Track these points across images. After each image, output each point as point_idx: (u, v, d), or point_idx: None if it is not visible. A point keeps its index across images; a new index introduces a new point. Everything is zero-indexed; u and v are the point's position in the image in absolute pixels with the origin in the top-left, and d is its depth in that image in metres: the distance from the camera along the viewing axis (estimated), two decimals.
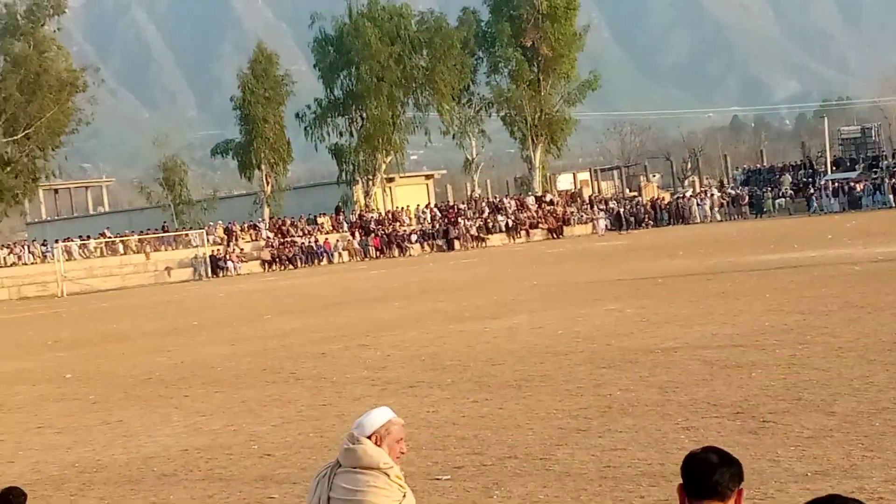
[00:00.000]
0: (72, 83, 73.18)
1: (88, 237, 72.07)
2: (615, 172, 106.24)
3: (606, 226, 76.84)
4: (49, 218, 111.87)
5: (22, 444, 16.32)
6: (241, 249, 70.75)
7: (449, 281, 43.55)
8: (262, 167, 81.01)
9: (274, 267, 69.32)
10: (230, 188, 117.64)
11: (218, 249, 69.90)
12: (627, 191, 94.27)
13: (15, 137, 70.61)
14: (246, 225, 74.96)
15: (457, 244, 74.45)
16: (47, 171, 75.42)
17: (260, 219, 77.97)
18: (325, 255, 71.62)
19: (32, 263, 67.08)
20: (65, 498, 12.59)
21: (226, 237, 72.04)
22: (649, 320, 23.42)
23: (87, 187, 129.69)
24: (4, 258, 66.32)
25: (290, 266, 69.25)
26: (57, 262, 64.10)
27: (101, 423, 17.54)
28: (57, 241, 68.65)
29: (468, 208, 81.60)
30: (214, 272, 67.24)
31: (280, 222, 75.67)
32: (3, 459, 15.25)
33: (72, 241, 69.92)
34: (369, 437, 6.03)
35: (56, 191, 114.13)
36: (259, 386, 19.98)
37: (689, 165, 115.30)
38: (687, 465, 4.20)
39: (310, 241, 72.44)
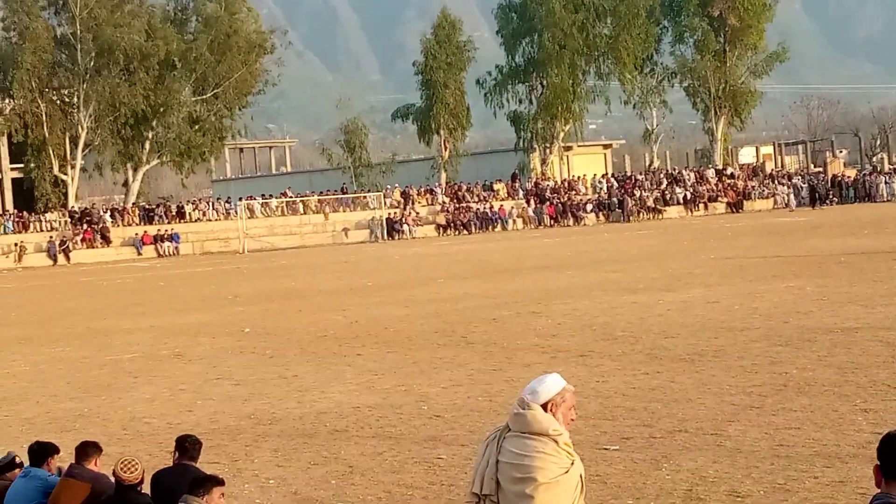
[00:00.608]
0: (260, 45, 74.90)
1: (270, 196, 73.85)
2: (800, 147, 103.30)
3: (796, 201, 74.90)
4: (233, 176, 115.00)
5: (201, 394, 16.85)
6: (417, 213, 71.44)
7: (623, 251, 43.10)
8: (441, 132, 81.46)
9: (448, 231, 69.82)
10: (409, 152, 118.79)
11: (394, 212, 70.73)
12: (812, 166, 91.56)
13: (204, 96, 72.74)
14: (423, 189, 75.60)
15: (632, 215, 73.63)
16: (233, 131, 77.46)
17: (437, 183, 78.52)
18: (499, 221, 71.75)
19: (216, 220, 69.08)
20: (240, 448, 12.95)
21: (402, 201, 72.82)
22: (830, 299, 22.71)
23: (270, 147, 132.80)
24: (190, 213, 68.50)
25: (465, 231, 69.62)
26: (239, 219, 65.86)
27: (277, 378, 17.97)
28: (240, 199, 70.52)
29: (646, 179, 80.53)
30: (390, 234, 68.13)
31: (456, 187, 76.08)
32: (182, 408, 15.77)
33: (254, 199, 71.72)
34: (544, 406, 5.98)
35: (241, 150, 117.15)
36: (431, 348, 20.16)
37: (879, 142, 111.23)
38: (886, 446, 4.11)
39: (485, 208, 72.65)
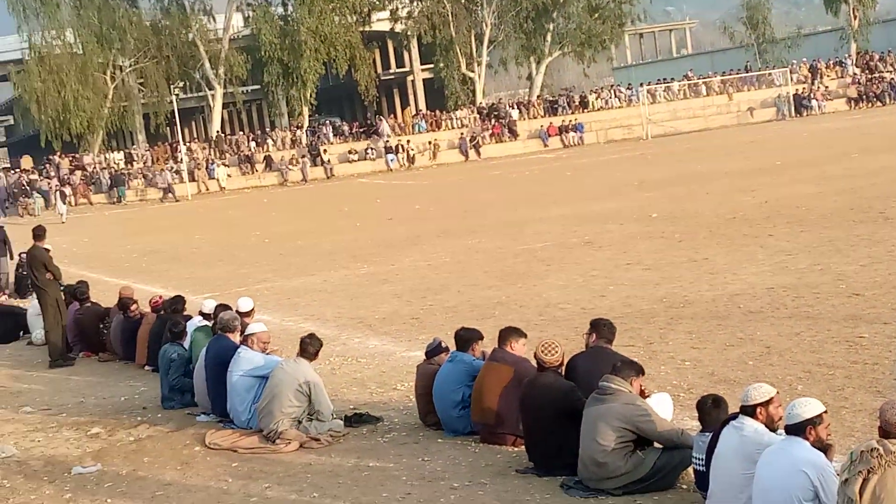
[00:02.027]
0: None
1: (672, 80, 72.86)
2: None
3: None
4: (634, 62, 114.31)
5: (613, 280, 17.09)
6: (826, 87, 68.18)
7: None
8: (849, 1, 76.97)
9: (860, 105, 66.18)
10: (815, 24, 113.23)
11: (802, 88, 67.87)
12: None
13: None
14: (831, 62, 71.95)
15: None
16: (633, 16, 76.73)
17: (846, 55, 74.45)
18: None
19: (618, 107, 69.08)
20: (654, 331, 13.06)
21: (810, 75, 69.67)
22: None
23: (670, 30, 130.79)
24: (593, 103, 68.87)
25: (878, 103, 65.70)
26: (641, 105, 65.50)
27: (688, 261, 17.92)
28: (641, 85, 70.05)
29: None
30: (798, 111, 65.48)
31: (868, 58, 71.80)
32: (595, 294, 16.07)
33: (655, 84, 71.05)
34: None
35: (641, 35, 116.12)
36: (846, 226, 19.40)
37: None
38: None
39: None
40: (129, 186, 57.17)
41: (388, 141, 61.66)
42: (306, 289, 20.00)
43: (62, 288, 16.22)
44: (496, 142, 63.72)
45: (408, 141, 61.72)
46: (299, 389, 9.98)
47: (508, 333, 9.53)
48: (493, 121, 65.38)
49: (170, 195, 55.16)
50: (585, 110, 67.80)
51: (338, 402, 11.18)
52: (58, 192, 50.84)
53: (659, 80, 73.67)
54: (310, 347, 10.27)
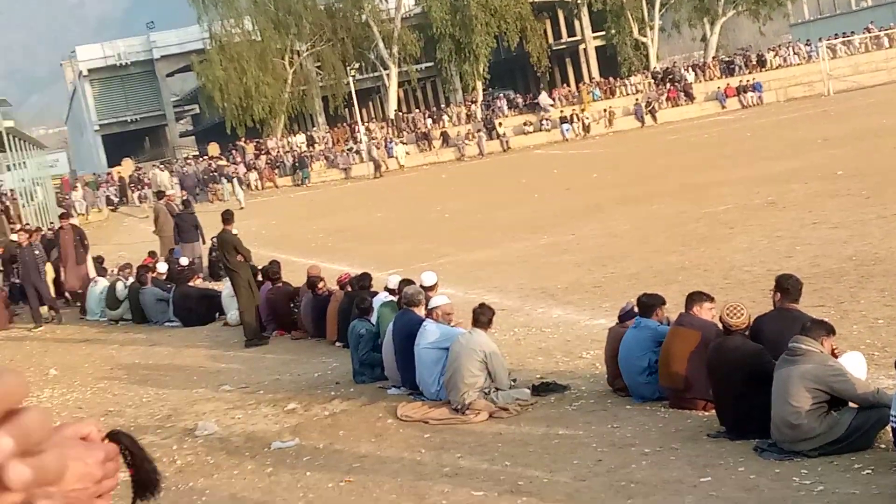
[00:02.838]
0: None
1: (852, 33, 70.37)
2: None
3: None
4: (811, 17, 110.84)
5: (799, 240, 16.71)
6: None
7: None
8: None
9: None
10: None
11: None
12: None
13: None
14: None
15: None
16: None
17: None
18: None
19: (797, 65, 67.15)
20: (844, 290, 12.75)
21: None
22: None
23: None
24: (770, 61, 67.11)
25: None
26: (821, 60, 63.47)
27: (876, 217, 17.38)
28: (820, 40, 67.89)
29: None
30: None
31: None
32: (781, 255, 15.75)
33: (835, 38, 68.73)
34: None
35: None
36: None
37: None
38: None
39: None
40: (311, 168, 58.48)
41: (547, 113, 61.32)
42: (488, 261, 20.17)
43: (253, 269, 16.78)
44: (672, 106, 62.77)
45: (582, 110, 61.34)
46: (478, 359, 10.12)
47: (695, 298, 9.47)
48: (668, 85, 64.43)
49: (377, 172, 56.04)
50: (763, 69, 66.12)
51: (524, 371, 11.29)
52: (235, 180, 52.41)
53: (838, 34, 71.22)
54: (482, 317, 10.41)
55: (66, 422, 2.05)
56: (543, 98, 63.43)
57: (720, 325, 8.75)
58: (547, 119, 61.10)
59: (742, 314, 8.52)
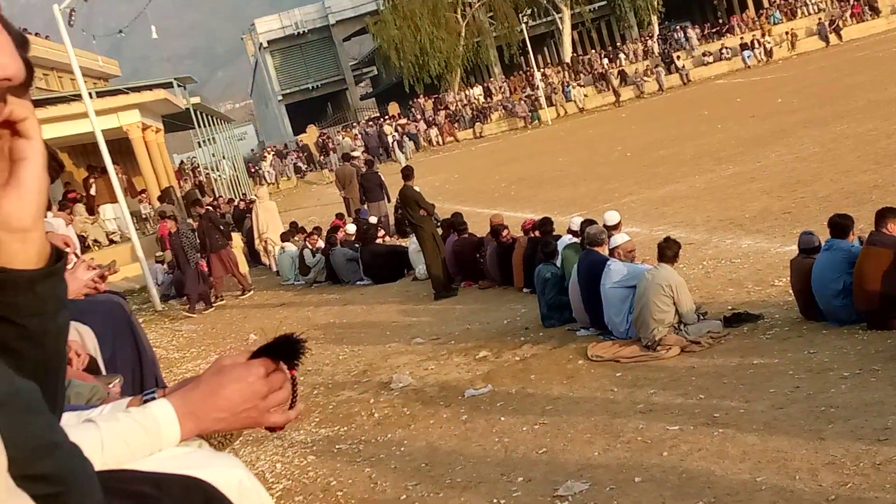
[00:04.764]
0: None
1: None
2: None
3: None
4: None
5: None
6: None
7: None
8: None
9: None
10: None
11: None
12: None
13: None
14: None
15: None
16: None
17: None
18: None
19: None
20: None
21: None
22: None
23: None
24: None
25: None
26: None
27: None
28: None
29: None
30: None
31: None
32: None
33: None
34: None
35: None
36: None
37: None
38: None
39: None
40: (490, 119, 58.56)
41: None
42: (673, 196, 19.84)
43: (437, 223, 16.93)
44: (857, 22, 60.30)
45: (763, 34, 59.52)
46: (664, 294, 9.97)
47: (886, 214, 9.10)
48: (851, 1, 61.88)
49: (617, 102, 55.77)
50: None
51: (715, 304, 11.07)
52: (395, 144, 52.46)
53: None
54: (667, 251, 10.24)
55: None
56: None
57: None
58: (727, 47, 59.55)
59: None
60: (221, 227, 21.52)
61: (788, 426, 7.42)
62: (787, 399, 8.00)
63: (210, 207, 23.86)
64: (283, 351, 1.98)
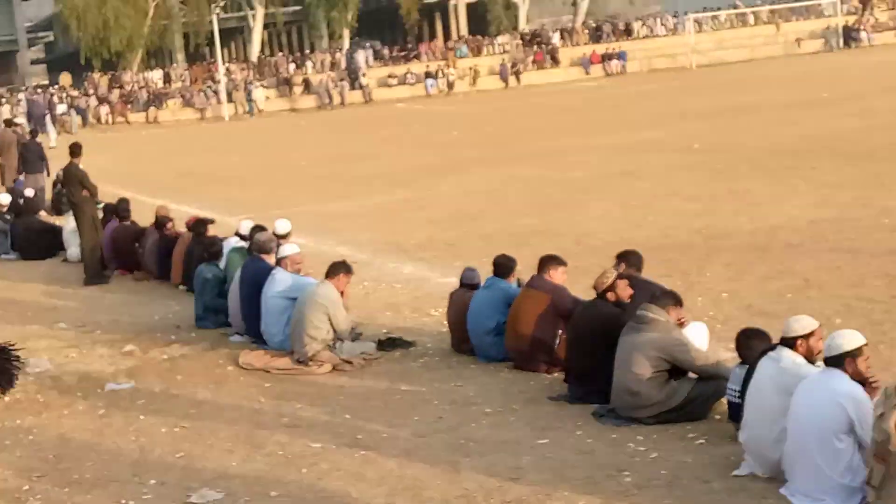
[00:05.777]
0: None
1: (719, 9, 71.67)
2: None
3: None
4: None
5: (651, 210, 16.92)
6: (877, 19, 66.94)
7: None
8: None
9: None
10: None
11: (851, 19, 66.64)
12: None
13: None
14: None
15: None
16: None
17: None
18: None
19: (663, 36, 68.04)
20: (692, 262, 12.93)
21: (861, 6, 68.38)
22: None
23: None
24: (637, 31, 67.86)
25: None
26: (687, 34, 64.50)
27: (728, 192, 17.72)
28: (687, 14, 68.95)
29: None
30: (847, 43, 64.31)
31: None
32: (632, 224, 15.92)
33: (703, 13, 69.87)
34: None
35: None
36: (892, 160, 19.12)
37: None
38: None
39: None
40: (166, 106, 57.13)
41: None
42: (344, 213, 19.95)
43: (99, 205, 16.24)
44: (538, 69, 63.04)
45: (447, 66, 61.13)
46: (322, 311, 9.95)
47: (548, 261, 9.45)
48: (535, 47, 64.65)
49: (328, 104, 55.50)
50: (630, 38, 66.90)
51: (371, 326, 11.15)
52: (47, 119, 48.92)
53: (706, 7, 72.34)
54: (333, 270, 10.31)
55: None
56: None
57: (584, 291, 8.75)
58: (412, 73, 60.78)
59: (608, 277, 8.55)
60: None
61: (427, 455, 7.54)
62: (430, 428, 8.14)
63: None
64: None
